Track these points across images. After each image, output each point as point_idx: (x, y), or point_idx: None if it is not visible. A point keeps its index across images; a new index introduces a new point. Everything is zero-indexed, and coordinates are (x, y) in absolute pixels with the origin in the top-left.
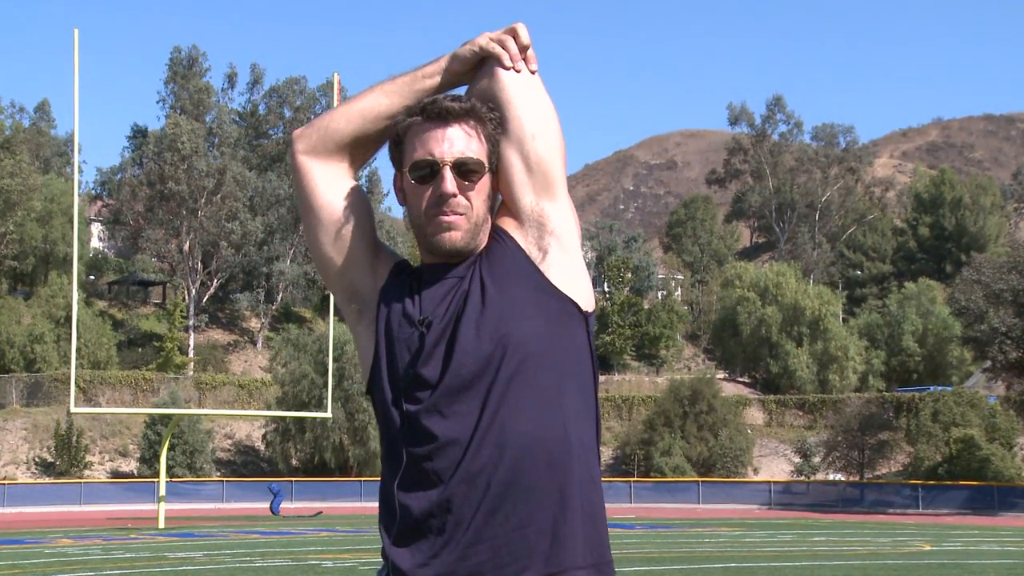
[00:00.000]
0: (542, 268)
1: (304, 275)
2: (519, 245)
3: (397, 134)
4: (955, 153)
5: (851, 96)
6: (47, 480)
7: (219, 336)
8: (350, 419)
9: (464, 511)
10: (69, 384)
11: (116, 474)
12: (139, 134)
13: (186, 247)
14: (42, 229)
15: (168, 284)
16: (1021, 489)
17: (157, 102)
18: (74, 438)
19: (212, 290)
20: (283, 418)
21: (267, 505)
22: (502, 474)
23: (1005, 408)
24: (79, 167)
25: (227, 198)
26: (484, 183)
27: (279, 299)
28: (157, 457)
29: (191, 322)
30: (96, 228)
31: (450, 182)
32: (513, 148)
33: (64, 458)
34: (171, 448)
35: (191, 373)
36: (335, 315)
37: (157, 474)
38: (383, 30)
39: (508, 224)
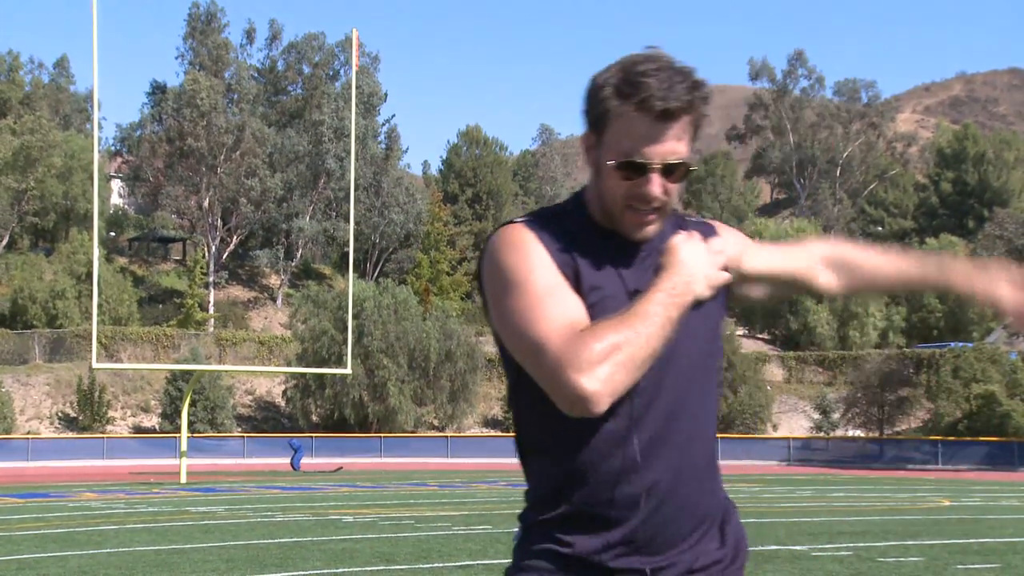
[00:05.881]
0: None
1: (323, 232)
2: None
3: (604, 108)
4: (979, 107)
5: (874, 50)
6: (70, 435)
7: (239, 293)
8: (369, 375)
9: None
10: (91, 340)
11: (138, 429)
12: (158, 90)
13: (205, 204)
14: (62, 185)
15: (188, 241)
16: None
17: (176, 58)
18: (96, 393)
19: (232, 247)
20: (303, 374)
21: (288, 460)
22: None
23: None
24: (99, 123)
25: (246, 155)
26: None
27: (298, 256)
28: (178, 413)
29: (211, 279)
30: (116, 185)
31: (657, 186)
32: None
33: (87, 413)
34: (192, 404)
35: (211, 329)
36: (354, 272)
37: (179, 430)
38: None
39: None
